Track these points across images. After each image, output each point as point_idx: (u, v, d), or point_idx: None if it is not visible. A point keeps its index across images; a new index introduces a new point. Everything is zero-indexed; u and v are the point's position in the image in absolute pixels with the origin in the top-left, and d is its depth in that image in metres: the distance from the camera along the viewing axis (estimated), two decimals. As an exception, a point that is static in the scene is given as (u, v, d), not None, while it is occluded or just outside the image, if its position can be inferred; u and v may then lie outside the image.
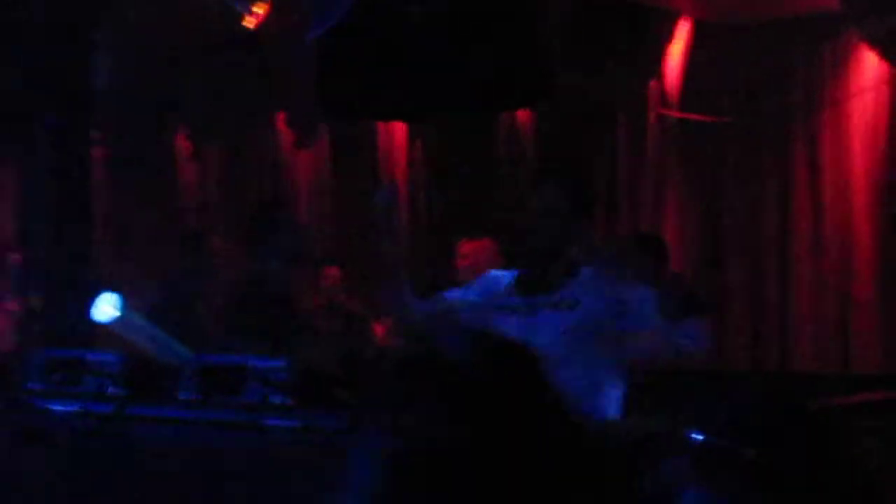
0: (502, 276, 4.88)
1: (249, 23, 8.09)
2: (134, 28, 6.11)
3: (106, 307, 4.65)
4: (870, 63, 8.93)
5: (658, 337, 6.84)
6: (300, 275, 6.34)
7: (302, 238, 6.19)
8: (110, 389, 4.05)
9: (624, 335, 4.75)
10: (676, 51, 9.45)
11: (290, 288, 6.07)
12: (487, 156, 9.78)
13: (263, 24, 8.11)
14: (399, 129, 10.23)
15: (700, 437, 3.61)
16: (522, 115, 9.60)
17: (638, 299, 4.70)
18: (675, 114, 9.51)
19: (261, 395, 3.71)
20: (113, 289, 4.76)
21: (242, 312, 5.77)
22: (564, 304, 4.60)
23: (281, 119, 10.59)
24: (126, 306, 4.67)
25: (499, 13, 3.19)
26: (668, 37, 9.41)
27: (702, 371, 6.68)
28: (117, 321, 4.67)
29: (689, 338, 7.01)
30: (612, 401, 4.68)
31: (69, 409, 4.12)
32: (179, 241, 7.42)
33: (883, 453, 4.25)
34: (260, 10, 8.04)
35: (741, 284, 9.41)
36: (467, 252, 7.01)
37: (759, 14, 8.88)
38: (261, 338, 5.10)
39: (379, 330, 7.96)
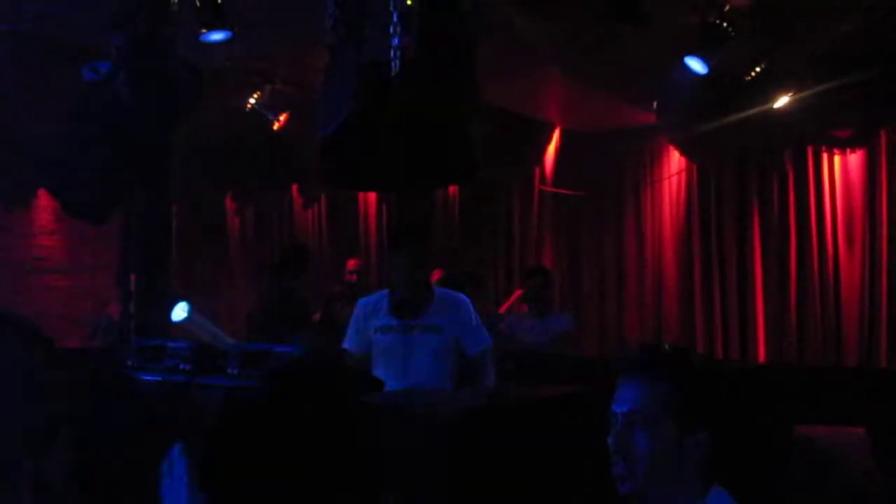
0: (376, 298, 4.55)
1: (275, 125, 8.02)
2: (199, 124, 5.99)
3: (180, 311, 4.54)
4: (674, 157, 9.00)
5: (534, 331, 6.78)
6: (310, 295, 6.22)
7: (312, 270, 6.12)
8: (182, 366, 3.93)
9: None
10: (552, 148, 9.47)
11: (304, 303, 5.98)
12: (430, 213, 9.72)
13: (285, 126, 8.05)
14: (371, 197, 10.17)
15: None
16: (452, 188, 9.57)
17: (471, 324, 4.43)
18: (550, 189, 9.51)
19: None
20: (184, 299, 4.65)
21: (272, 317, 5.67)
22: (434, 329, 4.35)
23: (295, 189, 10.50)
24: (192, 311, 4.57)
25: (443, 121, 3.15)
26: (546, 139, 9.42)
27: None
28: (187, 321, 4.56)
29: (560, 325, 6.98)
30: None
31: (154, 378, 4.00)
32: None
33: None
34: (282, 117, 7.98)
35: (591, 297, 9.43)
36: (350, 266, 6.93)
37: (603, 125, 8.92)
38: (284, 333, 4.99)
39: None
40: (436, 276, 6.77)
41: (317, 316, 6.72)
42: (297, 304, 5.79)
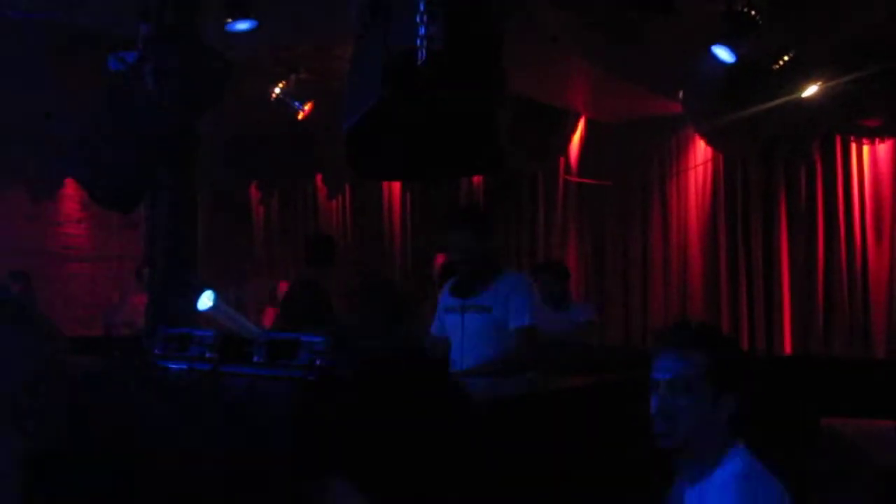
0: (449, 283, 4.67)
1: (300, 115, 8.03)
2: (224, 114, 6.00)
3: (206, 300, 4.55)
4: (700, 147, 8.94)
5: (556, 322, 6.76)
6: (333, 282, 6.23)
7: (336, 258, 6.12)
8: (208, 354, 3.94)
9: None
10: (577, 138, 9.43)
11: (328, 289, 5.99)
12: (455, 202, 9.72)
13: (310, 116, 8.06)
14: (396, 186, 10.18)
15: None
16: (476, 178, 9.56)
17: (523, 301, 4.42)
18: (575, 179, 9.48)
19: (308, 360, 3.62)
20: (210, 288, 4.67)
21: (299, 304, 5.67)
22: (483, 308, 4.39)
23: (319, 178, 10.52)
24: (218, 299, 4.58)
25: (470, 110, 3.14)
26: (571, 128, 9.38)
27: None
28: (213, 309, 4.57)
29: (582, 316, 6.97)
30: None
31: (181, 366, 4.01)
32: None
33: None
34: (307, 106, 7.98)
35: (615, 288, 9.40)
36: (441, 261, 6.92)
37: (629, 115, 8.88)
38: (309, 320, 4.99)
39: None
40: (439, 259, 6.76)
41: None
42: (320, 295, 5.79)
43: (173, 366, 4.01)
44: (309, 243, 6.81)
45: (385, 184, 10.06)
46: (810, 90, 7.15)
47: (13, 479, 1.65)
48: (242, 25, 5.57)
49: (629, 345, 8.84)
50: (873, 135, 7.91)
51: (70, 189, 9.59)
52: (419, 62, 2.96)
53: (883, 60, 7.00)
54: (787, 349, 8.29)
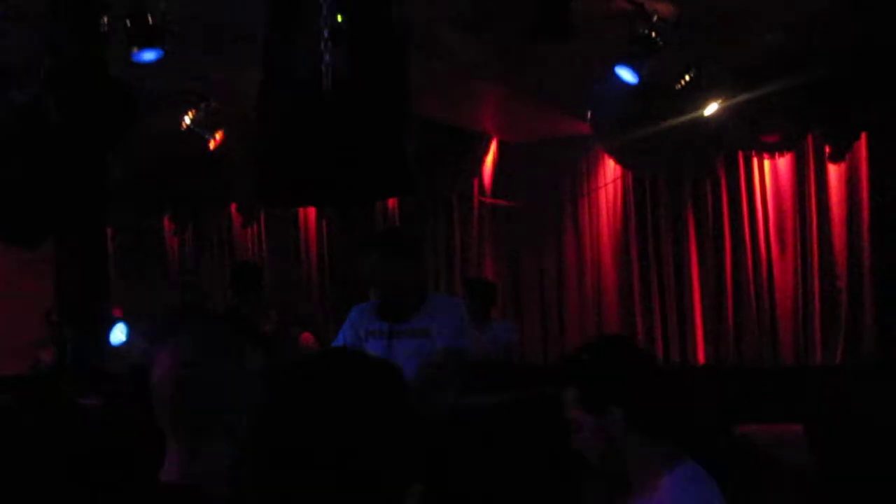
0: (367, 306, 4.50)
1: (212, 143, 7.96)
2: (133, 145, 5.91)
3: (118, 333, 4.50)
4: (610, 166, 9.12)
5: (479, 341, 6.78)
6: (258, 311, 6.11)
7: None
8: (123, 390, 3.89)
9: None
10: (489, 159, 9.54)
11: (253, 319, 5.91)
12: (371, 226, 9.72)
13: (221, 144, 7.99)
14: (311, 212, 10.14)
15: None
16: (391, 201, 9.58)
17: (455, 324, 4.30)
18: (489, 200, 9.58)
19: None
20: (122, 321, 4.62)
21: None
22: (419, 333, 4.24)
23: (233, 207, 10.42)
24: (131, 333, 4.53)
25: (377, 135, 3.17)
26: (484, 150, 9.48)
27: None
28: (125, 343, 4.53)
29: (504, 334, 7.01)
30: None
31: (93, 402, 3.95)
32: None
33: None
34: (218, 135, 7.92)
35: (532, 306, 9.50)
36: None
37: (539, 135, 9.01)
38: None
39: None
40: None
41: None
42: (240, 322, 5.73)
43: (88, 401, 3.95)
44: (233, 271, 6.76)
45: (301, 210, 10.02)
46: (711, 108, 7.38)
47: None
48: (149, 55, 5.51)
49: (547, 362, 8.94)
50: (773, 150, 8.19)
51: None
52: (325, 89, 2.99)
53: (780, 79, 7.27)
54: (700, 359, 8.49)
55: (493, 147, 9.46)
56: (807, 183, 8.09)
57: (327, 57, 2.96)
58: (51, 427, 3.69)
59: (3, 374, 7.39)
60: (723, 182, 8.50)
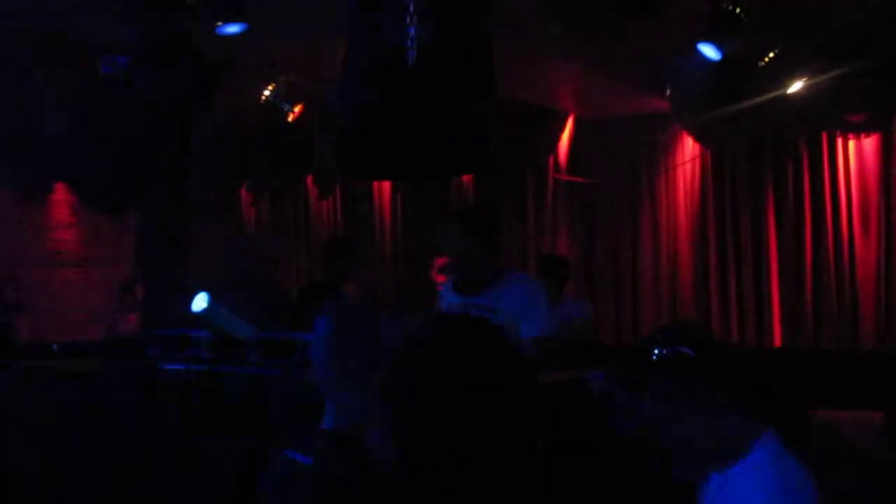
0: (449, 281, 4.60)
1: (290, 116, 8.06)
2: (214, 116, 6.01)
3: (200, 301, 4.59)
4: (688, 144, 9.00)
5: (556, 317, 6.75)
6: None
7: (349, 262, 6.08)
8: (203, 355, 3.98)
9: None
10: (565, 136, 9.49)
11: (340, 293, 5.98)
12: (444, 201, 9.76)
13: (300, 117, 8.08)
14: (386, 186, 10.20)
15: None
16: (466, 178, 9.59)
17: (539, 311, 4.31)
18: (564, 178, 9.53)
19: (302, 358, 3.67)
20: (203, 290, 4.70)
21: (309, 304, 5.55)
22: (487, 309, 4.15)
23: (310, 179, 10.54)
24: (212, 300, 4.62)
25: (459, 110, 3.19)
26: (560, 127, 9.44)
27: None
28: (207, 310, 4.61)
29: (577, 312, 6.98)
30: None
31: (177, 367, 4.05)
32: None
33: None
34: (297, 108, 8.01)
35: (606, 286, 9.46)
36: (439, 263, 6.88)
37: (617, 112, 8.94)
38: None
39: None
40: (440, 261, 6.74)
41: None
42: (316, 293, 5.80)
43: (169, 367, 4.06)
44: (324, 243, 6.86)
45: (376, 184, 10.09)
46: (796, 86, 7.22)
47: None
48: (233, 28, 5.58)
49: (620, 341, 8.90)
50: (858, 130, 7.99)
51: (59, 194, 9.57)
52: (409, 63, 3.01)
53: (867, 56, 7.07)
54: (777, 342, 8.37)
55: (570, 124, 9.41)
56: (892, 164, 7.89)
57: (412, 30, 2.98)
58: (139, 389, 3.82)
59: (84, 340, 7.64)
60: (805, 162, 8.33)
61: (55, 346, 5.11)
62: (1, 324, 5.85)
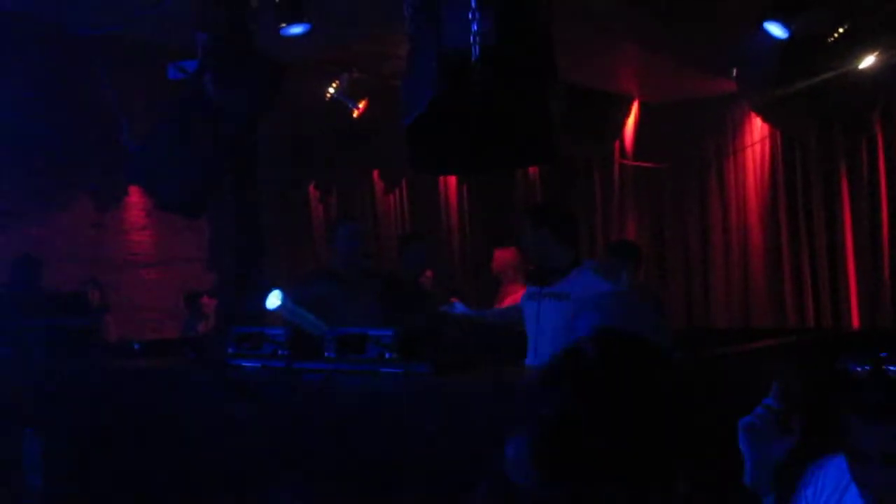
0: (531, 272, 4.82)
1: (355, 113, 8.15)
2: (280, 115, 6.12)
3: (274, 299, 4.70)
4: (757, 125, 8.87)
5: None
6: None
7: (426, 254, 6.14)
8: (280, 352, 4.07)
9: None
10: (631, 121, 9.42)
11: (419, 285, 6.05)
12: (509, 194, 9.78)
13: (364, 113, 8.17)
14: (452, 180, 10.26)
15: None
16: (532, 169, 9.60)
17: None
18: (631, 163, 9.48)
19: (377, 353, 3.73)
20: (277, 287, 4.81)
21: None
22: (560, 296, 4.37)
23: (376, 174, 10.65)
24: (286, 298, 4.72)
25: (524, 101, 3.21)
26: (625, 112, 9.38)
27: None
28: (281, 308, 4.72)
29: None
30: None
31: (254, 364, 4.15)
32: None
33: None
34: (361, 104, 8.11)
35: (676, 271, 9.38)
36: (497, 256, 6.94)
37: (682, 95, 8.85)
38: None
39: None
40: (509, 254, 6.75)
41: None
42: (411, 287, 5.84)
43: (247, 364, 4.16)
44: (399, 237, 6.95)
45: (441, 178, 10.15)
46: (868, 61, 7.06)
47: None
48: (297, 29, 5.68)
49: (692, 327, 8.83)
50: (935, 104, 7.80)
51: (134, 197, 9.83)
52: (473, 58, 3.04)
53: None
54: (855, 324, 8.21)
55: (635, 109, 9.34)
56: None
57: (475, 26, 3.01)
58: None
59: (163, 339, 7.85)
60: (879, 139, 8.15)
61: (137, 346, 5.28)
62: (88, 324, 6.05)
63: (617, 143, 9.47)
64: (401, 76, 3.65)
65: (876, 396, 1.89)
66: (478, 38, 3.03)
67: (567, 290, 4.37)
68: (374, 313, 4.86)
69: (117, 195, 9.79)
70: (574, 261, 4.49)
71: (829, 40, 6.86)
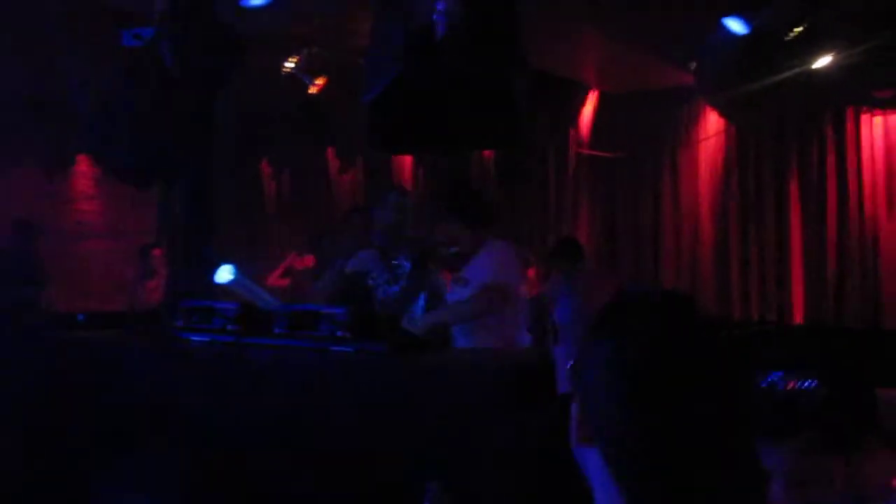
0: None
1: (313, 89, 8.06)
2: (235, 88, 6.02)
3: (225, 273, 4.63)
4: (712, 119, 8.94)
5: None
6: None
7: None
8: (230, 327, 4.01)
9: None
10: (588, 110, 9.44)
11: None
12: (465, 175, 9.74)
13: (321, 90, 8.08)
14: (407, 160, 10.19)
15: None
16: (488, 152, 9.57)
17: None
18: (586, 152, 9.50)
19: (329, 331, 3.68)
20: (228, 262, 4.74)
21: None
22: (463, 281, 4.33)
23: (330, 152, 10.54)
24: (238, 272, 4.66)
25: (489, 82, 3.18)
26: (582, 101, 9.39)
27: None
28: (232, 282, 4.65)
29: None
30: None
31: (203, 338, 4.07)
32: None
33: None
34: (320, 81, 8.02)
35: (627, 260, 9.44)
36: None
37: (640, 86, 8.88)
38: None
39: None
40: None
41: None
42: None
43: (196, 338, 4.09)
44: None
45: (397, 157, 10.08)
46: (823, 61, 7.14)
47: None
48: (257, 1, 5.59)
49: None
50: (886, 105, 7.91)
51: (83, 165, 9.63)
52: (438, 36, 3.01)
53: (895, 30, 6.98)
54: (798, 319, 8.34)
55: (593, 98, 9.36)
56: (919, 141, 7.83)
57: (440, 5, 2.97)
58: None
59: (109, 311, 7.71)
60: (829, 138, 8.26)
61: (81, 317, 5.17)
62: (27, 297, 5.92)
63: (572, 132, 9.49)
64: (363, 53, 3.60)
65: (774, 419, 1.82)
66: (443, 18, 2.99)
67: (468, 276, 4.32)
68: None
69: (65, 163, 9.59)
70: (478, 244, 4.33)
71: (787, 39, 6.91)
